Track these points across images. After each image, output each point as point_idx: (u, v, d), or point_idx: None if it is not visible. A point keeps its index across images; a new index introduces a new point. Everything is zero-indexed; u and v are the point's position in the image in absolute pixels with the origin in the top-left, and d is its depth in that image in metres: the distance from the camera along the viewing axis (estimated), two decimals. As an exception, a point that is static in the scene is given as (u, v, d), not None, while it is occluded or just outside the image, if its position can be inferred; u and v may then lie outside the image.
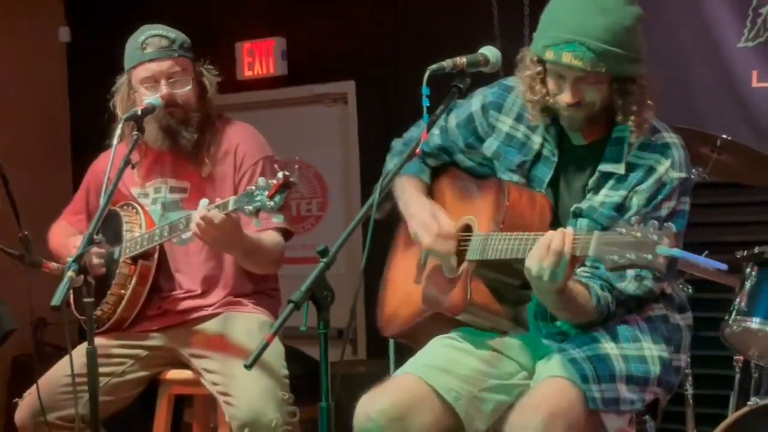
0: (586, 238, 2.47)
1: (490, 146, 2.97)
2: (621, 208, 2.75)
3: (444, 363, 2.82)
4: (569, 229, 2.52)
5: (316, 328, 2.41)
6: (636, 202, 2.73)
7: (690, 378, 3.95)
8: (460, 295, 2.82)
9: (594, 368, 2.66)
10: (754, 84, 4.42)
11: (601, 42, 2.61)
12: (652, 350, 2.78)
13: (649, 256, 2.33)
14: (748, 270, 3.54)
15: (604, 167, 2.77)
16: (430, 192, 3.09)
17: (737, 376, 3.79)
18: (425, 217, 2.91)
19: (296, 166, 3.02)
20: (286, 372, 3.35)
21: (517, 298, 2.87)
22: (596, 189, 2.79)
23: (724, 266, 2.39)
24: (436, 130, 3.05)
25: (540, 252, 2.51)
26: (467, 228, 2.91)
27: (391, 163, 3.13)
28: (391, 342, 3.90)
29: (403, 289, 3.09)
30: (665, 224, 2.37)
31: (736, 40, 4.44)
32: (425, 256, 3.01)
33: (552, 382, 2.66)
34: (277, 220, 3.32)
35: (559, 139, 2.86)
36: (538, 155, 2.88)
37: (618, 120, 2.74)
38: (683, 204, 2.77)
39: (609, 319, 2.77)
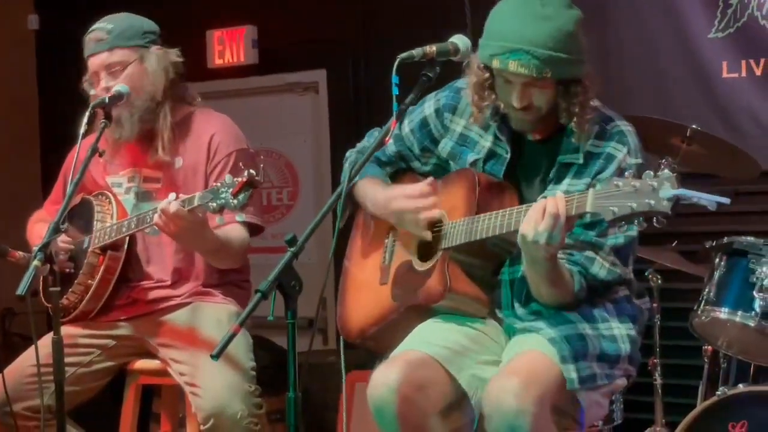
0: (580, 196, 2.54)
1: (444, 147, 3.02)
2: None
3: (440, 339, 2.85)
4: (559, 193, 2.60)
5: (284, 318, 2.41)
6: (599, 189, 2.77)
7: (659, 368, 3.96)
8: (438, 283, 2.84)
9: (571, 348, 2.73)
10: (725, 75, 4.43)
11: (545, 48, 2.67)
12: (621, 329, 2.86)
13: (652, 201, 2.40)
14: (717, 260, 3.56)
15: (563, 158, 2.83)
16: None
17: (706, 366, 3.81)
18: (396, 195, 2.95)
19: (261, 165, 3.02)
20: (252, 364, 3.35)
21: (492, 282, 2.91)
22: (557, 180, 2.84)
23: (726, 200, 2.41)
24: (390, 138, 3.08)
25: (535, 216, 2.57)
26: (436, 222, 2.93)
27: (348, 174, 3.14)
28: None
29: (366, 294, 3.10)
30: (661, 169, 2.43)
31: (707, 30, 4.45)
32: (390, 255, 3.04)
33: (531, 353, 2.73)
34: (240, 218, 3.27)
35: (511, 136, 2.91)
36: (491, 153, 2.93)
37: (561, 122, 2.81)
38: None
39: (580, 302, 2.83)
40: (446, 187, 2.96)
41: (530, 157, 2.91)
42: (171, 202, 3.08)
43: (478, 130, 2.96)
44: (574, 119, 2.77)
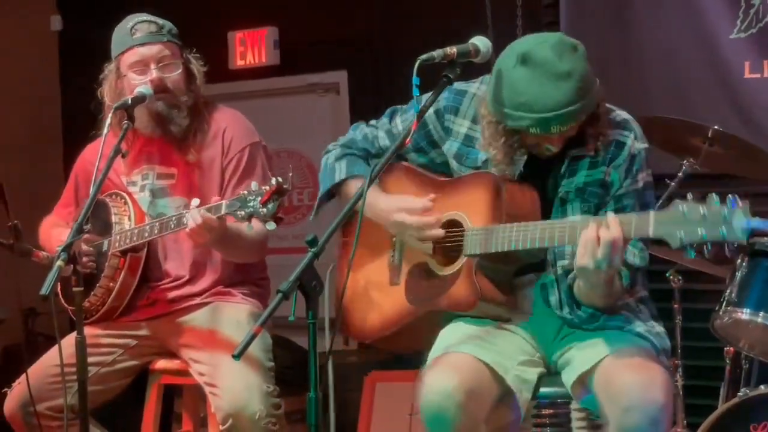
0: (640, 219, 2.53)
1: (450, 148, 3.00)
2: (603, 184, 2.83)
3: (480, 340, 2.85)
4: (610, 215, 2.58)
5: (305, 318, 2.41)
6: (616, 176, 2.83)
7: (680, 369, 3.95)
8: (468, 292, 2.83)
9: (659, 342, 2.81)
10: (747, 75, 4.40)
11: (575, 103, 2.69)
12: (657, 327, 2.93)
13: (725, 230, 2.38)
14: (739, 261, 3.54)
15: (573, 152, 2.84)
16: (385, 189, 3.08)
17: (727, 368, 3.79)
18: (400, 208, 2.93)
19: (290, 174, 3.01)
20: (271, 364, 3.36)
21: (514, 285, 2.92)
22: (570, 174, 2.85)
23: None
24: (381, 133, 3.11)
25: (590, 247, 2.56)
26: (452, 224, 2.91)
27: (338, 163, 3.12)
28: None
29: (376, 295, 3.07)
30: (729, 197, 2.41)
31: (729, 31, 4.43)
32: (399, 254, 3.03)
33: (635, 348, 2.74)
34: (270, 227, 3.08)
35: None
36: None
37: (589, 145, 2.82)
38: (650, 175, 2.89)
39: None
40: (465, 188, 2.94)
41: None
42: (201, 212, 3.09)
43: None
44: (601, 138, 2.81)
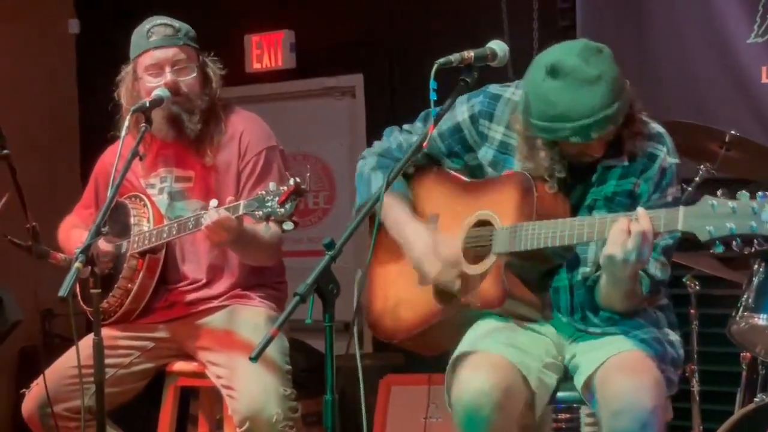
0: (669, 214, 2.55)
1: (485, 155, 3.00)
2: (631, 195, 2.84)
3: (508, 339, 2.85)
4: (640, 209, 2.61)
5: (322, 321, 2.42)
6: (645, 188, 2.83)
7: (696, 374, 3.94)
8: (496, 288, 2.83)
9: (661, 351, 2.80)
10: (764, 80, 4.40)
11: (611, 106, 2.70)
12: (675, 335, 2.94)
13: (754, 224, 2.40)
14: (756, 266, 3.53)
15: (607, 162, 2.84)
16: (415, 195, 3.10)
17: (744, 373, 3.78)
18: (424, 246, 2.94)
19: (308, 174, 3.02)
20: (288, 367, 3.36)
21: (542, 285, 2.92)
22: (600, 182, 2.85)
23: None
24: (414, 138, 3.08)
25: (620, 238, 2.58)
26: (482, 223, 2.92)
27: (374, 174, 3.11)
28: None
29: (403, 295, 3.08)
30: (759, 193, 2.43)
31: (746, 35, 4.43)
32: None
33: (635, 354, 2.75)
34: (287, 227, 3.06)
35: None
36: None
37: (627, 146, 2.82)
38: (679, 191, 2.91)
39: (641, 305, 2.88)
40: (496, 188, 2.94)
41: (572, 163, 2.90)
42: (219, 211, 3.10)
43: (517, 136, 2.93)
44: (638, 137, 2.82)
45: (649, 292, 2.83)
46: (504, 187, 2.91)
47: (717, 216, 2.44)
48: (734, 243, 2.45)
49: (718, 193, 2.45)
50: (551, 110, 2.71)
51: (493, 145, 2.98)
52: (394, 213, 3.03)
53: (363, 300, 3.15)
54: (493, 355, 2.79)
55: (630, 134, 2.81)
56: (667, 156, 2.85)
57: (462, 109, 3.02)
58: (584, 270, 2.86)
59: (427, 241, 2.95)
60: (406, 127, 3.17)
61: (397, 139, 3.16)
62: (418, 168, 3.15)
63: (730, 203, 2.43)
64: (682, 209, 2.52)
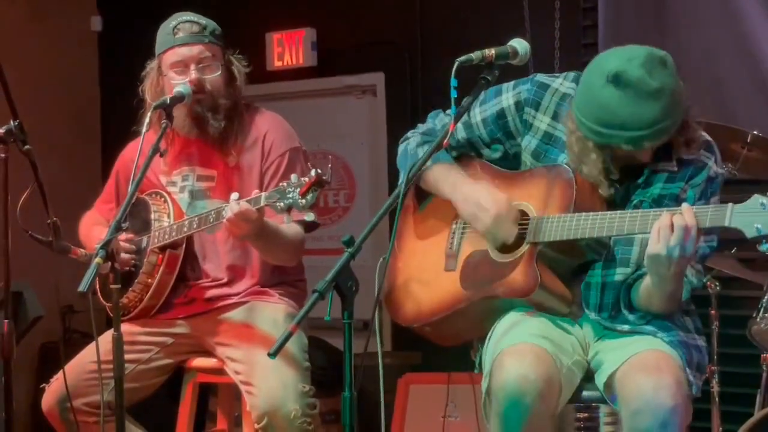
0: (716, 210, 2.58)
1: (528, 145, 2.98)
2: (677, 199, 2.83)
3: (545, 334, 2.84)
4: (685, 205, 2.62)
5: (340, 319, 2.42)
6: (692, 194, 2.83)
7: (716, 375, 3.92)
8: (527, 277, 2.82)
9: (686, 354, 2.79)
10: (786, 80, 4.39)
11: (667, 119, 2.69)
12: (699, 341, 2.93)
13: None
14: (777, 268, 3.52)
15: (656, 166, 2.84)
16: None
17: (764, 375, 3.76)
18: (482, 197, 2.93)
19: (329, 165, 3.02)
20: (307, 364, 3.36)
21: (573, 279, 2.91)
22: (646, 184, 2.85)
23: None
24: (459, 125, 3.05)
25: (663, 233, 2.59)
26: (519, 213, 2.92)
27: (421, 149, 3.11)
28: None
29: (428, 279, 3.06)
30: None
31: (769, 35, 4.41)
32: (458, 240, 3.02)
33: (658, 353, 2.75)
34: (309, 218, 3.10)
35: None
36: None
37: (680, 148, 2.82)
38: (719, 201, 2.87)
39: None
40: (534, 179, 2.93)
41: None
42: (240, 203, 3.09)
43: (563, 128, 2.91)
44: (692, 144, 2.82)
45: (688, 298, 2.84)
46: (543, 179, 2.90)
47: (766, 213, 2.48)
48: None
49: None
50: (608, 117, 2.69)
51: (537, 135, 2.97)
52: (452, 176, 3.03)
53: (385, 285, 3.11)
54: (536, 346, 2.77)
55: (682, 141, 2.81)
56: (715, 165, 2.85)
57: (507, 95, 3.00)
58: (625, 270, 2.85)
59: (484, 193, 2.94)
60: (448, 111, 3.12)
61: (442, 120, 3.14)
62: (457, 158, 3.13)
63: None
64: (731, 205, 2.54)
